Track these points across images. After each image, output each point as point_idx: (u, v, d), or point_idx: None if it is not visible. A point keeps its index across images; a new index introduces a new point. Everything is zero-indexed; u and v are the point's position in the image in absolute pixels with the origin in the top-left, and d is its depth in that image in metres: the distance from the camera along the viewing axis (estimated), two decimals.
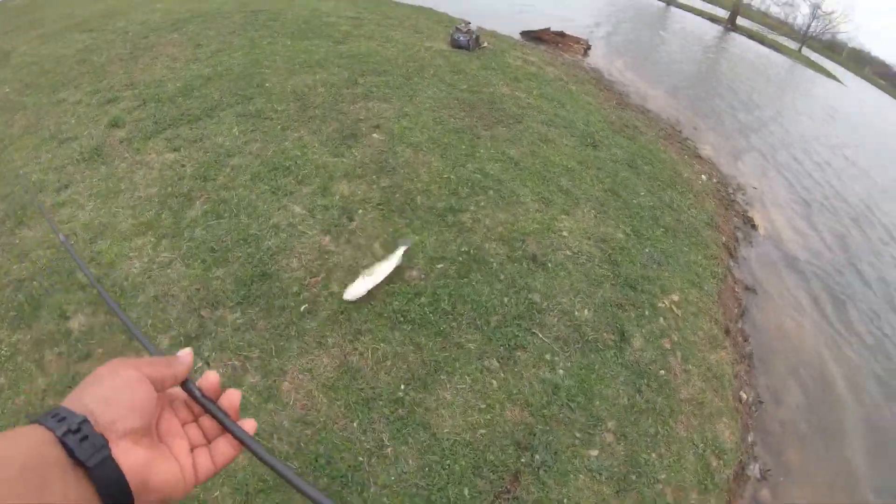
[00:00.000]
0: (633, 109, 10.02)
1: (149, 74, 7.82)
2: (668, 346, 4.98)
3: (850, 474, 5.12)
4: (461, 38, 9.63)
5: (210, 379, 0.80)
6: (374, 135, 6.30)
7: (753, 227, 8.24)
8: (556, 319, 4.68)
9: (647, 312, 5.10)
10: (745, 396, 5.16)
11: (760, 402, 5.26)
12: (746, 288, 6.76)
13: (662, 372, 4.74)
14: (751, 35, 45.40)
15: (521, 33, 13.33)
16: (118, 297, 4.56)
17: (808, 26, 64.03)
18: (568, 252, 5.30)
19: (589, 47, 13.63)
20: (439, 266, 4.79)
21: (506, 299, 4.66)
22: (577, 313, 4.78)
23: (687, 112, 12.46)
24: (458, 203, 5.43)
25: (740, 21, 48.99)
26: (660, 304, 5.27)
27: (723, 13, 50.63)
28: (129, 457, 0.65)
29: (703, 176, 8.64)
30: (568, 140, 7.20)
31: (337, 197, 5.33)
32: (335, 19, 10.36)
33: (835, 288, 7.95)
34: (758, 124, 15.12)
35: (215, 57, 8.23)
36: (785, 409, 5.44)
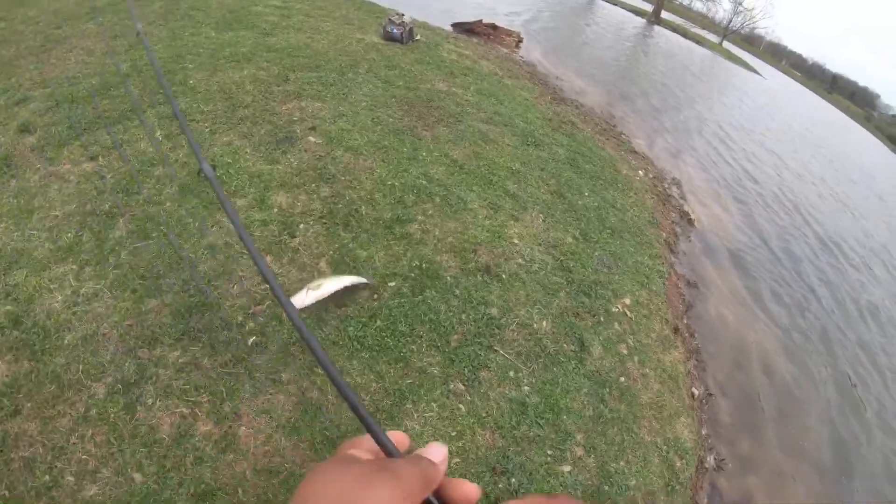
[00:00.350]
0: (568, 104, 9.92)
1: (61, 70, 7.04)
2: (625, 351, 5.02)
3: (797, 455, 5.36)
4: (395, 31, 9.19)
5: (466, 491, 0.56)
6: (311, 138, 5.92)
7: (689, 221, 8.38)
8: (515, 334, 4.60)
9: (602, 319, 5.11)
10: (696, 392, 5.27)
11: (710, 395, 5.39)
12: (689, 283, 6.89)
13: (622, 379, 4.78)
14: (674, 28, 46.45)
15: (452, 25, 12.88)
16: (41, 341, 4.12)
17: (730, 21, 66.08)
18: (521, 261, 5.21)
19: (521, 40, 13.38)
20: (391, 284, 4.59)
21: (463, 316, 4.53)
22: (535, 325, 4.71)
23: (618, 106, 12.53)
24: (404, 212, 5.20)
25: (664, 15, 49.93)
26: (613, 309, 5.29)
27: (647, 6, 51.27)
28: None
29: (640, 172, 8.70)
30: (509, 139, 7.02)
31: (275, 210, 4.98)
32: (262, 9, 9.66)
33: (763, 274, 8.30)
34: (683, 116, 15.56)
35: (133, 50, 7.50)
36: (731, 399, 5.64)
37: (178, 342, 4.09)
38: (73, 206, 5.01)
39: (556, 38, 19.69)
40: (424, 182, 5.68)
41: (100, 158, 5.52)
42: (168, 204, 5.00)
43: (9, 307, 4.33)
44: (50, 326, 4.19)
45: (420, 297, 4.55)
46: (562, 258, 5.50)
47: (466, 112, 7.30)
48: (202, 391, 3.88)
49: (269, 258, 4.59)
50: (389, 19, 9.40)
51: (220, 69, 7.10)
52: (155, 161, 5.48)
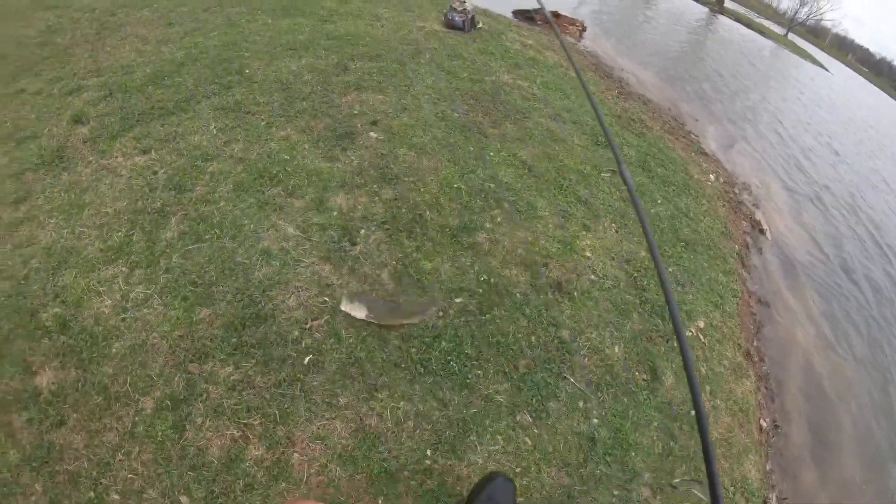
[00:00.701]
0: (635, 99, 9.22)
1: (116, 59, 6.80)
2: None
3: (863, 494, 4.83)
4: (456, 18, 8.63)
5: None
6: (372, 133, 5.48)
7: (761, 231, 7.65)
8: (586, 360, 4.13)
9: (675, 344, 4.54)
10: (764, 424, 4.73)
11: (777, 428, 4.84)
12: (760, 301, 6.25)
13: (693, 412, 4.21)
14: (737, 18, 44.24)
15: (513, 12, 12.19)
16: (89, 348, 3.85)
17: (795, 12, 62.88)
18: (593, 277, 4.71)
19: (584, 29, 12.61)
20: (458, 300, 4.15)
21: (533, 338, 4.08)
22: (607, 350, 4.24)
23: (685, 101, 11.70)
24: (471, 219, 4.73)
25: (727, 4, 47.85)
26: (687, 334, 4.74)
27: None
28: None
29: (711, 176, 7.99)
30: (579, 138, 6.44)
31: (335, 213, 4.58)
32: None
33: (836, 294, 7.52)
34: (752, 114, 14.46)
35: (189, 37, 7.22)
36: (799, 431, 5.11)
37: (229, 357, 3.75)
38: (124, 203, 4.72)
39: (617, 26, 18.72)
40: (492, 185, 5.19)
41: (153, 152, 5.21)
42: (222, 203, 4.66)
43: (57, 310, 4.07)
44: (98, 333, 3.91)
45: (488, 315, 4.11)
46: (635, 274, 4.97)
47: (533, 107, 6.75)
48: (254, 413, 3.55)
49: (328, 267, 4.20)
50: (451, 6, 8.87)
51: (277, 58, 6.73)
52: (209, 156, 5.11)
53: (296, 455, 3.40)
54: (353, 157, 5.15)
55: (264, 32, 7.43)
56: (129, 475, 3.45)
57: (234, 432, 3.49)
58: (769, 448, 4.68)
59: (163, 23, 7.76)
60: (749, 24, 45.88)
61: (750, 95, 16.98)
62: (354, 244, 4.33)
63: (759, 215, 7.87)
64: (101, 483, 3.44)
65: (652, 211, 5.86)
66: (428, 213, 4.70)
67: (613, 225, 5.37)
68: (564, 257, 4.75)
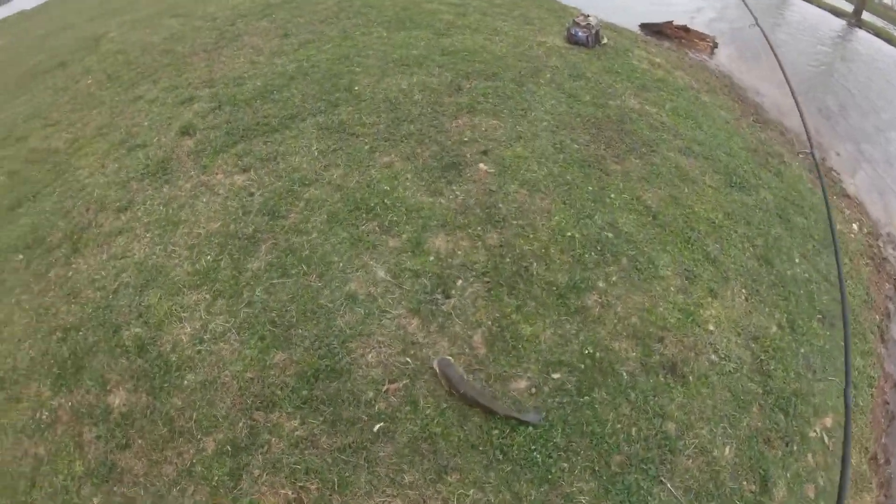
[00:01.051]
0: (772, 128, 8.20)
1: (230, 69, 7.12)
2: (811, 494, 3.87)
3: None
4: (579, 34, 8.12)
5: None
6: (482, 165, 5.21)
7: None
8: (690, 462, 3.64)
9: (795, 448, 3.96)
10: None
11: None
12: (895, 386, 5.21)
13: None
14: (877, 32, 39.50)
15: (640, 26, 11.42)
16: (162, 376, 3.94)
17: None
18: (713, 357, 4.18)
19: (716, 45, 11.53)
20: (555, 376, 3.83)
21: (634, 430, 3.68)
22: (716, 452, 3.72)
23: (824, 131, 10.31)
24: (583, 277, 4.34)
25: (865, 16, 42.96)
26: (811, 434, 4.11)
27: (846, 5, 44.19)
28: None
29: (854, 225, 6.93)
30: (711, 179, 5.76)
31: (431, 258, 4.37)
32: (436, 6, 9.15)
33: None
34: None
35: (302, 49, 7.42)
36: None
37: (297, 410, 3.66)
38: (217, 225, 4.82)
39: (748, 40, 17.04)
40: (610, 235, 4.73)
41: (252, 171, 5.29)
42: (314, 235, 4.63)
43: (138, 330, 4.25)
44: (173, 362, 4.01)
45: (586, 397, 3.75)
46: (762, 356, 4.36)
47: (662, 139, 6.12)
48: (312, 476, 3.42)
49: (415, 322, 4.01)
50: (574, 20, 8.38)
51: (388, 74, 6.65)
52: (307, 180, 5.02)
53: None
54: (458, 193, 4.92)
55: (378, 46, 7.42)
56: None
57: (289, 492, 3.38)
58: None
59: (279, 34, 8.05)
60: (890, 39, 40.75)
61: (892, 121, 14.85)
62: (448, 297, 4.07)
63: None
64: None
65: (788, 273, 5.10)
66: (535, 265, 4.35)
67: (744, 291, 4.72)
68: (683, 330, 4.25)
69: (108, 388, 3.92)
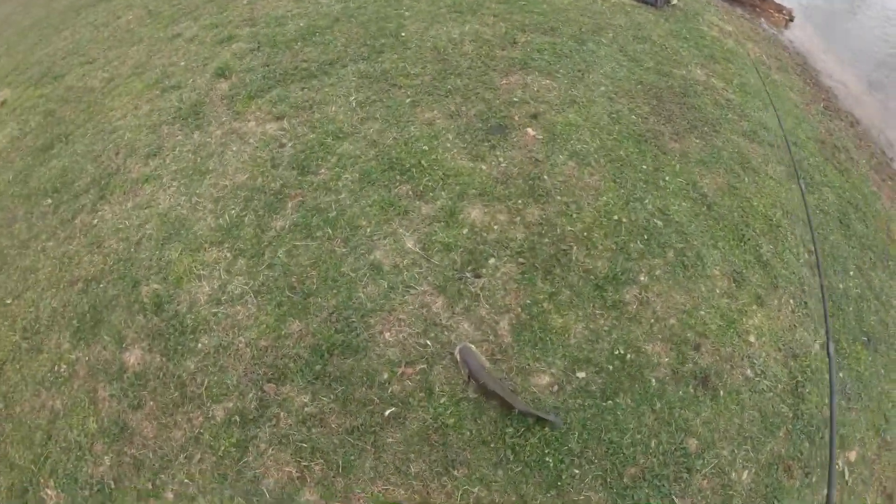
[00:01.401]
0: (843, 118, 7.44)
1: (273, 7, 6.98)
2: None
3: None
4: None
5: None
6: (529, 130, 4.93)
7: None
8: (706, 482, 3.46)
9: (814, 479, 3.72)
10: None
11: None
12: None
13: None
14: None
15: None
16: (177, 337, 3.96)
17: None
18: (749, 372, 3.90)
19: (792, 18, 10.49)
20: (580, 375, 3.64)
21: (653, 442, 3.49)
22: (734, 475, 3.52)
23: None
24: (624, 268, 4.12)
25: None
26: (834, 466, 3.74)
27: None
28: None
29: None
30: (773, 169, 5.29)
31: (465, 230, 4.19)
32: None
33: None
34: None
35: None
36: None
37: (309, 385, 3.62)
38: (244, 177, 4.75)
39: (831, 17, 15.56)
40: (660, 223, 4.43)
41: (285, 120, 5.16)
42: (343, 195, 4.50)
43: (157, 286, 4.26)
44: (188, 323, 4.02)
45: (610, 402, 3.57)
46: (798, 376, 4.04)
47: (726, 118, 5.63)
48: (318, 455, 3.41)
49: (440, 300, 3.87)
50: None
51: (438, 20, 6.34)
52: (342, 133, 4.86)
53: None
54: (501, 159, 4.68)
55: None
56: (186, 479, 3.54)
57: (293, 470, 3.39)
58: None
59: None
60: None
61: None
62: (479, 276, 3.90)
63: None
64: (160, 477, 3.57)
65: (840, 286, 4.68)
66: (575, 249, 4.11)
67: (791, 301, 4.37)
68: (723, 339, 3.98)
69: (124, 345, 3.97)
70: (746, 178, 5.00)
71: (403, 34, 6.17)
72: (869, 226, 5.44)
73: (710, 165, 4.99)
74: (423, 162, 4.65)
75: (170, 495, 3.49)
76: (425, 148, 4.77)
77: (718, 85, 6.12)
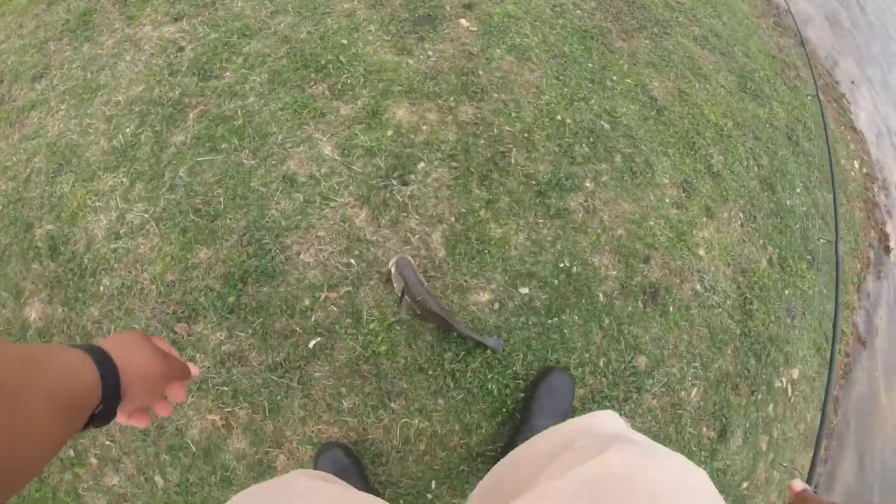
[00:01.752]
0: (791, 37, 6.97)
1: None
2: (764, 446, 3.65)
3: None
4: None
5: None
6: (462, 21, 4.31)
7: (886, 249, 5.79)
8: (655, 402, 3.28)
9: (760, 396, 3.66)
10: None
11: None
12: (860, 340, 4.97)
13: (745, 485, 3.53)
14: None
15: None
16: (77, 282, 3.48)
17: None
18: (698, 287, 3.64)
19: None
20: (524, 291, 3.29)
21: (602, 361, 3.24)
22: (683, 394, 3.36)
23: (846, 50, 8.82)
24: (568, 172, 3.67)
25: None
26: (776, 384, 3.79)
27: None
28: None
29: (855, 163, 6.15)
30: (724, 78, 4.86)
31: (390, 132, 3.65)
32: None
33: None
34: None
35: None
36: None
37: (223, 321, 3.21)
38: (139, 89, 4.11)
39: None
40: (606, 126, 3.95)
41: (184, 20, 4.44)
42: (251, 99, 3.93)
43: (50, 226, 3.70)
44: (87, 264, 3.50)
45: (556, 319, 3.25)
46: (747, 292, 3.84)
47: (677, 21, 5.06)
48: (241, 399, 3.08)
49: (364, 213, 3.39)
50: None
51: None
52: (249, 30, 4.22)
53: (281, 457, 3.00)
54: (430, 53, 4.09)
55: None
56: (108, 441, 3.23)
57: (217, 418, 3.08)
58: None
59: None
60: None
61: None
62: (406, 184, 3.42)
63: (889, 227, 6.01)
64: (80, 442, 3.27)
65: (788, 203, 4.41)
66: (514, 151, 3.64)
67: (741, 216, 4.09)
68: (672, 252, 3.67)
69: (22, 300, 3.49)
70: (697, 85, 4.54)
71: None
72: (815, 145, 5.16)
73: (659, 68, 4.49)
74: (341, 57, 4.01)
75: (94, 461, 3.21)
76: (344, 42, 4.11)
77: None
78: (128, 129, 3.85)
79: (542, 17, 4.52)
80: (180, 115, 3.87)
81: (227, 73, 4.04)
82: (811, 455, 3.69)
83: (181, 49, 4.25)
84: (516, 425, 2.97)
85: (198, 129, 3.77)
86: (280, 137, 3.65)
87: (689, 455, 3.32)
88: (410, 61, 4.04)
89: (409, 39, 4.18)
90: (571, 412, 3.01)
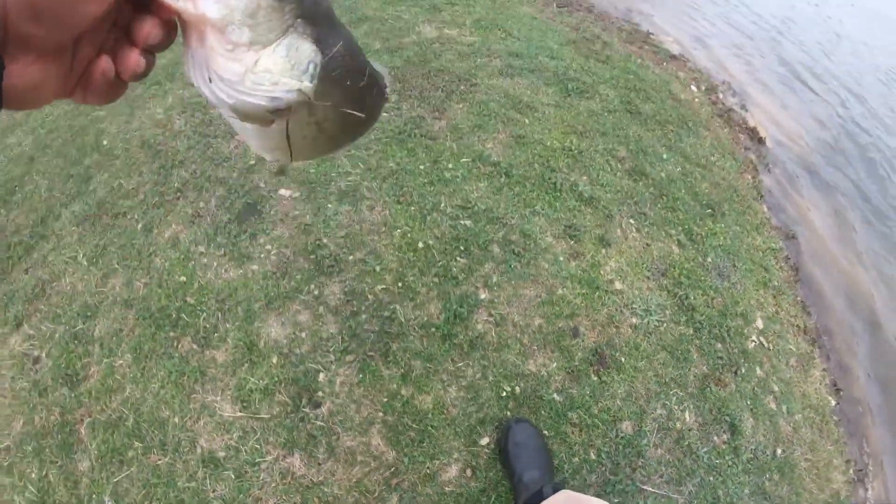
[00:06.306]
0: (577, 7, 6.66)
1: None
2: (773, 406, 3.25)
3: None
4: None
5: None
6: (283, 191, 3.76)
7: (760, 140, 5.69)
8: (658, 449, 2.84)
9: (743, 370, 3.25)
10: (833, 403, 3.62)
11: (840, 400, 3.68)
12: (787, 236, 4.65)
13: (779, 451, 3.10)
14: None
15: None
16: None
17: None
18: (634, 320, 3.21)
19: None
20: (484, 442, 2.85)
21: (592, 453, 2.77)
22: (678, 423, 2.94)
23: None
24: (459, 296, 3.19)
25: None
26: (749, 346, 3.39)
27: None
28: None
29: (692, 87, 5.94)
30: (546, 95, 4.42)
31: (274, 358, 3.13)
32: None
33: (864, 196, 5.82)
34: None
35: (37, 111, 5.06)
36: (857, 386, 3.88)
37: None
38: (20, 425, 3.25)
39: None
40: (468, 222, 3.43)
41: (25, 324, 3.63)
42: (128, 390, 3.26)
43: None
44: None
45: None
46: (677, 290, 3.44)
47: (477, 66, 4.57)
48: None
49: (297, 458, 2.76)
50: None
51: (138, 105, 4.73)
52: (90, 310, 3.59)
53: None
54: (269, 247, 3.43)
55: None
56: None
57: None
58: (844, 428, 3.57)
59: None
60: None
61: None
62: (318, 405, 2.82)
63: (751, 120, 5.90)
64: None
65: (662, 174, 4.03)
66: (399, 308, 3.09)
67: (632, 221, 3.67)
68: (594, 305, 3.22)
69: None
70: (527, 120, 4.08)
71: (105, 142, 4.47)
72: (654, 101, 4.80)
73: (485, 127, 3.98)
74: (188, 299, 3.29)
75: None
76: (183, 279, 3.39)
77: (454, 34, 5.00)
78: (33, 475, 3.00)
79: (355, 143, 3.93)
80: (72, 437, 3.00)
81: (92, 369, 3.19)
82: (814, 374, 3.40)
83: (37, 360, 3.36)
84: (514, 486, 2.56)
85: (96, 446, 2.95)
86: (177, 419, 2.90)
87: (716, 470, 2.89)
88: (255, 267, 3.34)
89: (241, 243, 3.48)
90: (549, 455, 2.65)
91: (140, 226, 3.77)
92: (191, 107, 4.54)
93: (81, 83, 0.56)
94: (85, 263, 3.71)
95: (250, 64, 0.53)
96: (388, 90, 0.78)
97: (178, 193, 3.86)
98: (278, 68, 0.54)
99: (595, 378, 2.94)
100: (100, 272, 3.63)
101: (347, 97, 0.65)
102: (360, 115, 0.67)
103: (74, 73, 0.54)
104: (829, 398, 3.65)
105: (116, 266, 3.60)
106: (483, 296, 3.14)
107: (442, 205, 3.53)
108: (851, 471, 3.43)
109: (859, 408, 3.86)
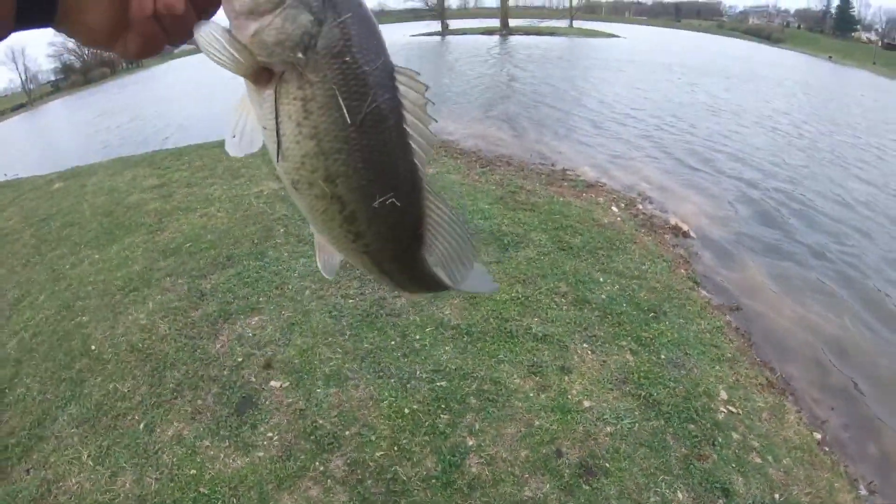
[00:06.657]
0: (499, 164, 8.00)
1: None
2: (758, 460, 3.65)
3: None
4: None
5: None
6: (273, 383, 4.13)
7: (684, 234, 6.84)
8: None
9: (720, 439, 3.70)
10: (818, 436, 4.15)
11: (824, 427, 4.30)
12: (732, 309, 5.50)
13: (777, 496, 3.45)
14: (526, 32, 45.52)
15: None
16: None
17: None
18: (609, 428, 3.70)
19: None
20: None
21: None
22: None
23: (539, 137, 10.63)
24: (451, 446, 3.54)
25: (513, 23, 49.49)
26: (720, 418, 3.89)
27: (493, 22, 50.79)
28: None
29: (613, 208, 7.05)
30: (486, 253, 5.39)
31: None
32: (138, 197, 7.47)
33: (782, 251, 6.96)
34: (592, 114, 13.92)
35: (17, 315, 5.40)
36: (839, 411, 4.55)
37: None
38: None
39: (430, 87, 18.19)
40: (443, 383, 4.01)
41: None
42: None
43: None
44: None
45: None
46: (640, 392, 4.02)
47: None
48: None
49: None
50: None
51: (120, 311, 5.12)
52: None
53: None
54: (270, 434, 3.80)
55: (95, 276, 5.72)
56: None
57: None
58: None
59: None
60: (538, 32, 47.87)
61: (579, 101, 16.77)
62: None
63: (672, 219, 7.07)
64: None
65: (602, 297, 4.81)
66: (398, 469, 3.50)
67: (586, 346, 4.36)
68: (569, 427, 3.71)
69: None
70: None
71: (93, 347, 4.78)
72: (583, 235, 5.60)
73: (440, 296, 4.63)
74: (201, 489, 3.49)
75: None
76: (193, 472, 3.61)
77: None
78: None
79: (328, 330, 4.46)
80: None
81: None
82: (790, 419, 3.87)
83: None
84: None
85: None
86: None
87: None
88: (260, 454, 3.64)
89: (244, 433, 3.80)
90: None
91: (142, 425, 4.01)
92: (171, 311, 5.02)
93: (122, 24, 0.56)
94: (91, 463, 3.85)
95: (251, 31, 0.55)
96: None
97: (175, 393, 4.18)
98: (272, 39, 0.54)
99: (587, 487, 3.29)
100: (107, 471, 3.77)
101: (345, 79, 0.57)
102: (346, 104, 0.58)
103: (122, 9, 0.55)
104: (814, 433, 4.11)
105: (124, 464, 3.77)
106: (471, 442, 3.57)
107: (418, 372, 4.05)
108: (862, 486, 3.82)
109: (846, 433, 4.35)
